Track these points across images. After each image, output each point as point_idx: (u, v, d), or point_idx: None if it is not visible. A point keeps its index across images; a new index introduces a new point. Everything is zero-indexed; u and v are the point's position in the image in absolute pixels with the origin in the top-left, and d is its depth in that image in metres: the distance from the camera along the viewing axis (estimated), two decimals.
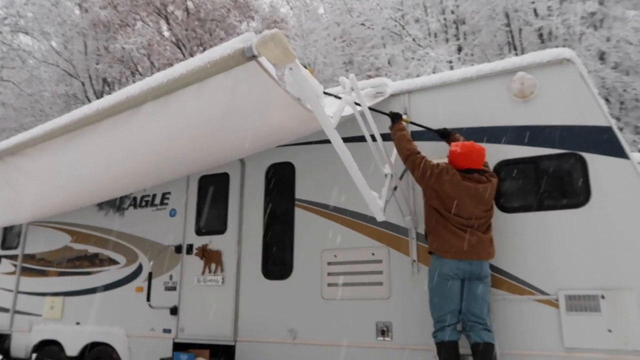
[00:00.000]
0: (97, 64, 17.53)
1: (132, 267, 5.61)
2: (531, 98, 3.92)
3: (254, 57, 2.97)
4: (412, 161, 3.74)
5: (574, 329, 3.47)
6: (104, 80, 18.18)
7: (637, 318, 3.33)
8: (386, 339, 4.04)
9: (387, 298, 4.13)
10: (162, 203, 5.61)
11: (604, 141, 3.63)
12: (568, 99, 3.81)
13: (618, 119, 22.49)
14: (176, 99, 3.56)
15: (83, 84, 18.18)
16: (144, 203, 5.76)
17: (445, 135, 4.09)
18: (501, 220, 3.85)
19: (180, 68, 3.48)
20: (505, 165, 3.95)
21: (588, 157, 3.67)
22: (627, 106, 23.12)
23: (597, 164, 3.64)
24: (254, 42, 2.91)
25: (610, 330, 3.38)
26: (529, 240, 3.74)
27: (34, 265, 6.45)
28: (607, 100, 21.63)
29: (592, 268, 3.52)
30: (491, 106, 4.07)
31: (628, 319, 3.35)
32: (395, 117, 4.03)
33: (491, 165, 3.94)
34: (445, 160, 3.85)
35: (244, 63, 3.04)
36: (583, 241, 3.58)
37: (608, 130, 3.66)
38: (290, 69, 3.03)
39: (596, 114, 3.71)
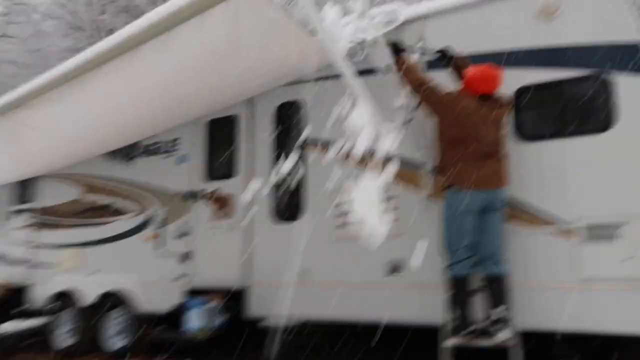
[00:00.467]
0: (102, 14, 17.14)
1: (145, 216, 5.60)
2: (556, 15, 3.62)
3: None
4: (423, 91, 3.54)
5: (595, 257, 3.34)
6: (111, 31, 17.85)
7: None
8: (400, 275, 3.99)
9: (401, 234, 4.04)
10: (171, 149, 5.53)
11: (635, 59, 3.36)
12: (596, 14, 3.50)
13: None
14: (177, 35, 3.41)
15: (90, 37, 17.89)
16: (153, 150, 5.69)
17: (446, 56, 3.82)
18: (521, 150, 3.66)
19: (179, 1, 3.31)
20: (527, 91, 3.69)
21: (617, 77, 3.41)
22: None
23: (627, 85, 3.38)
24: None
25: (632, 257, 3.24)
26: (550, 169, 3.56)
27: (49, 218, 6.52)
28: None
29: (616, 195, 3.34)
30: (513, 27, 3.77)
31: None
32: (398, 50, 3.75)
33: (512, 92, 3.71)
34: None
35: None
36: (607, 168, 3.39)
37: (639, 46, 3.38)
38: None
39: (627, 29, 3.41)
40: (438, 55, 3.87)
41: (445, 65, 3.85)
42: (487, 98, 3.49)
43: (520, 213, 3.62)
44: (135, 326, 5.39)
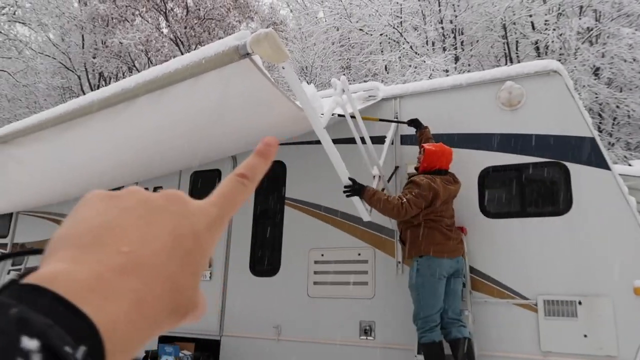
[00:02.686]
0: (94, 57, 17.54)
1: None
2: (518, 107, 4.02)
3: (247, 54, 3.04)
4: (399, 209, 3.55)
5: (551, 333, 3.56)
6: (100, 74, 18.18)
7: (612, 324, 3.42)
8: (369, 337, 4.10)
9: (371, 298, 4.19)
10: None
11: (587, 152, 3.72)
12: (554, 109, 3.91)
13: (610, 135, 22.78)
14: (170, 94, 3.62)
15: (79, 77, 18.18)
16: None
17: (416, 125, 4.17)
18: (485, 226, 3.93)
19: (176, 63, 3.55)
20: (491, 172, 4.04)
21: (571, 166, 3.77)
22: (620, 122, 23.43)
23: (580, 174, 3.73)
24: (249, 40, 2.98)
25: (585, 336, 3.46)
26: (511, 245, 3.83)
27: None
28: (600, 115, 21.95)
29: (571, 274, 3.61)
30: (479, 113, 4.16)
31: (603, 325, 3.44)
32: (359, 189, 3.54)
33: (477, 172, 4.03)
34: (414, 165, 3.96)
35: (238, 60, 3.11)
36: (563, 248, 3.67)
37: (591, 141, 3.76)
38: (283, 67, 3.10)
39: (580, 125, 3.81)
40: (411, 122, 4.20)
41: (416, 131, 4.19)
42: (443, 173, 3.78)
43: (483, 284, 3.83)
44: None
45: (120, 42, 15.94)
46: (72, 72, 18.10)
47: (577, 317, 3.51)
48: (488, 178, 4.04)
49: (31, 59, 18.09)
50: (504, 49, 21.54)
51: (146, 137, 4.18)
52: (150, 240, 0.29)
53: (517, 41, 22.07)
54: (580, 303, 3.52)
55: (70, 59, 17.92)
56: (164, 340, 4.96)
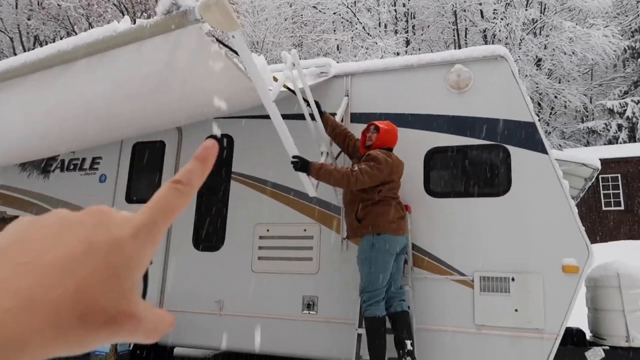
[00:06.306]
0: (28, 19, 16.37)
1: None
2: (466, 90, 4.12)
3: (196, 20, 2.92)
4: (349, 177, 3.56)
5: (485, 308, 3.73)
6: (36, 37, 17.01)
7: (541, 300, 3.63)
8: (311, 312, 4.15)
9: (315, 273, 4.22)
10: (91, 168, 5.39)
11: (528, 136, 3.88)
12: (499, 93, 4.03)
13: (547, 124, 23.94)
14: (112, 58, 3.43)
15: (12, 40, 16.95)
16: (72, 166, 5.50)
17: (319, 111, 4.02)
18: (429, 204, 4.03)
19: (118, 27, 3.37)
20: (436, 152, 4.13)
21: (512, 149, 3.92)
22: (557, 112, 24.68)
23: (519, 157, 3.89)
24: (197, 5, 2.87)
25: (516, 310, 3.66)
26: (452, 224, 3.95)
27: None
28: (539, 104, 22.97)
29: (506, 252, 3.78)
30: (428, 95, 4.23)
31: (533, 300, 3.64)
32: (304, 165, 3.53)
33: (423, 152, 4.11)
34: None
35: (186, 26, 2.99)
36: (500, 227, 3.83)
37: (532, 125, 3.91)
38: (233, 36, 3.00)
39: (523, 110, 3.95)
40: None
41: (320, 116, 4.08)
42: (391, 150, 3.84)
43: (424, 261, 3.95)
44: None
45: (58, 5, 14.93)
46: (5, 33, 16.85)
47: (509, 293, 3.70)
48: (434, 158, 4.14)
49: None
50: (454, 36, 22.02)
51: (84, 101, 3.96)
52: (53, 249, 0.30)
53: (466, 28, 22.65)
54: (513, 279, 3.71)
55: (1, 19, 16.64)
56: None
